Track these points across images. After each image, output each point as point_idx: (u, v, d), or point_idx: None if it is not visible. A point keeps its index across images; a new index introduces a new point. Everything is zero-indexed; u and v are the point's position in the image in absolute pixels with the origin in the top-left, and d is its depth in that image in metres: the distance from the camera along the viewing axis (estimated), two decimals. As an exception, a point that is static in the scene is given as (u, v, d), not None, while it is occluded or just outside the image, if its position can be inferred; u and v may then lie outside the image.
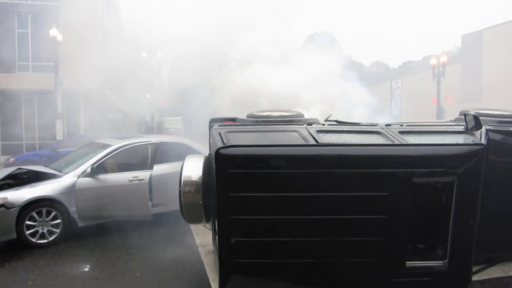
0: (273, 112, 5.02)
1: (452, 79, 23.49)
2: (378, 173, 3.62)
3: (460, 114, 4.83)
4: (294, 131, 4.15)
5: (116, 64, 13.82)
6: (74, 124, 18.19)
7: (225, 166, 3.59)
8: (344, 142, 3.92)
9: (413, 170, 3.62)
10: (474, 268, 4.20)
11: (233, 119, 4.81)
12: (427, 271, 3.78)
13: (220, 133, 4.09)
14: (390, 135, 4.04)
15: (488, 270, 4.41)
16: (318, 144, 3.72)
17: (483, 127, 4.23)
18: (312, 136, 3.98)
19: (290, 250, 3.68)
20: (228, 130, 4.22)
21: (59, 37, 15.62)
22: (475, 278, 4.15)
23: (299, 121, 4.64)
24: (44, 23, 17.58)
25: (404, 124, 4.50)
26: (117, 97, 20.21)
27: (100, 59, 13.96)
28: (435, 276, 3.79)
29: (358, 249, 3.68)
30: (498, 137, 4.26)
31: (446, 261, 3.78)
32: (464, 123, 4.20)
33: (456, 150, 3.69)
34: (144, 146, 6.52)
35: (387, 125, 4.41)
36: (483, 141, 3.92)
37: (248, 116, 4.97)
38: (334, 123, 4.66)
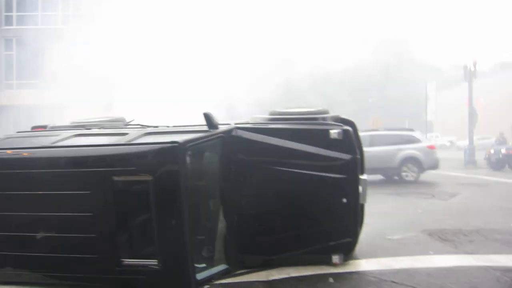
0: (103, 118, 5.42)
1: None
2: (79, 172, 3.80)
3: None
4: (58, 135, 4.49)
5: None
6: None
7: None
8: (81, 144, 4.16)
9: (110, 169, 3.73)
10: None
11: (44, 126, 5.26)
12: (143, 269, 3.80)
13: None
14: (133, 136, 4.16)
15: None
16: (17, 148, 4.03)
17: (231, 125, 4.17)
18: (58, 140, 4.29)
19: (10, 242, 3.97)
20: (9, 136, 4.74)
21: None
22: (226, 280, 4.01)
23: (95, 125, 4.95)
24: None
25: (172, 126, 4.56)
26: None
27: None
28: (150, 275, 3.79)
29: (72, 245, 3.86)
30: (247, 134, 4.11)
31: (157, 260, 3.77)
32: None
33: (147, 148, 3.71)
34: None
35: (154, 126, 4.53)
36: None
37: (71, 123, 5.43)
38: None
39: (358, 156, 4.15)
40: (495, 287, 3.73)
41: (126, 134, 4.23)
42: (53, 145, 4.07)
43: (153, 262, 3.79)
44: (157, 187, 3.68)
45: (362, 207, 4.57)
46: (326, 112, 4.67)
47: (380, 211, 7.28)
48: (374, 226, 5.99)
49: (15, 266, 3.97)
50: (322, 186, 4.12)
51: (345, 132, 4.09)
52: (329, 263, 4.19)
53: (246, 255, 4.23)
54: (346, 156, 4.09)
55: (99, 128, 4.69)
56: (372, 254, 4.71)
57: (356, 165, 4.13)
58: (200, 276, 3.89)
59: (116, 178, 3.74)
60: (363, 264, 4.35)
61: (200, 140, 3.86)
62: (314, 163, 4.11)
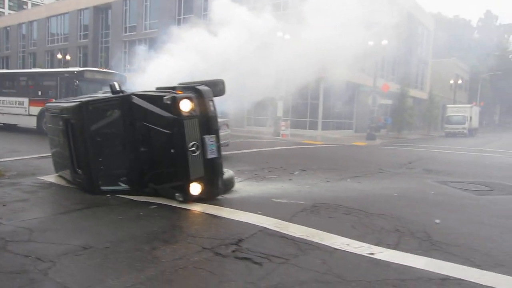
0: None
1: None
2: (60, 116, 6.73)
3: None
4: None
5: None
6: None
7: None
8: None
9: (66, 116, 6.47)
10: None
11: None
12: (81, 175, 6.43)
13: None
14: (93, 97, 6.78)
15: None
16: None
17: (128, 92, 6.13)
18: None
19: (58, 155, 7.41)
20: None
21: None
22: (141, 199, 6.01)
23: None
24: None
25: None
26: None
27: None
28: (82, 179, 6.37)
29: (64, 156, 6.91)
30: (134, 99, 5.94)
31: (81, 171, 6.32)
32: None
33: (72, 105, 6.19)
34: None
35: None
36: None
37: None
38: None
39: (182, 118, 5.27)
40: (223, 239, 4.24)
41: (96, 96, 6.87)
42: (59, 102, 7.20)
43: (81, 173, 6.38)
44: (74, 127, 6.18)
45: (211, 161, 5.53)
46: (203, 83, 5.81)
47: (356, 187, 7.09)
48: (297, 193, 6.42)
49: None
50: (162, 138, 5.53)
51: (173, 98, 5.31)
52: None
53: (147, 183, 6.12)
54: (173, 117, 5.33)
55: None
56: (228, 205, 5.59)
57: (180, 124, 5.28)
58: (104, 188, 6.17)
59: (71, 121, 6.48)
60: (194, 205, 5.40)
61: (98, 102, 6.06)
62: (158, 121, 5.54)
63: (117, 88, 6.16)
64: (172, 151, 5.41)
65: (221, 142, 10.75)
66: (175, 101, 5.32)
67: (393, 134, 29.67)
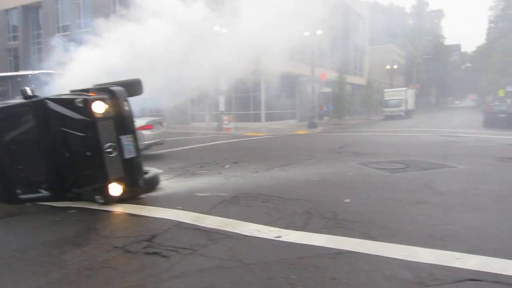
0: None
1: None
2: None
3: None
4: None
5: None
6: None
7: None
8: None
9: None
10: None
11: None
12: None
13: None
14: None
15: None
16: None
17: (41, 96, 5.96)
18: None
19: None
20: None
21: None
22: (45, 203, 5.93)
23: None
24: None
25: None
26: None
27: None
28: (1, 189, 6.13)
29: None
30: (48, 103, 5.78)
31: (-1, 183, 6.07)
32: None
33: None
34: None
35: None
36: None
37: None
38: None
39: (96, 120, 5.24)
40: (136, 237, 4.33)
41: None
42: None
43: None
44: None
45: (130, 161, 5.54)
46: (118, 84, 5.77)
47: (281, 176, 7.39)
48: (221, 186, 6.58)
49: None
50: (78, 142, 5.45)
51: (84, 100, 5.26)
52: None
53: (70, 187, 5.98)
54: (86, 119, 5.28)
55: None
56: (150, 203, 5.63)
57: (93, 126, 5.25)
58: (23, 196, 5.97)
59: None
60: (115, 206, 5.39)
61: (8, 109, 5.83)
62: (73, 125, 5.45)
63: (29, 93, 5.97)
64: (88, 153, 5.37)
65: (156, 140, 10.96)
66: (87, 103, 5.27)
67: (335, 120, 30.77)
